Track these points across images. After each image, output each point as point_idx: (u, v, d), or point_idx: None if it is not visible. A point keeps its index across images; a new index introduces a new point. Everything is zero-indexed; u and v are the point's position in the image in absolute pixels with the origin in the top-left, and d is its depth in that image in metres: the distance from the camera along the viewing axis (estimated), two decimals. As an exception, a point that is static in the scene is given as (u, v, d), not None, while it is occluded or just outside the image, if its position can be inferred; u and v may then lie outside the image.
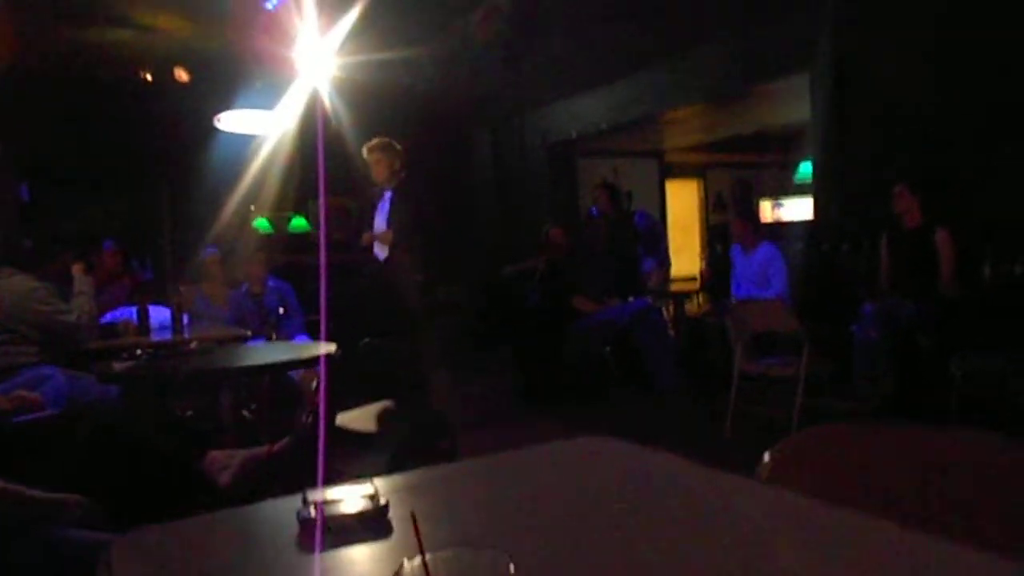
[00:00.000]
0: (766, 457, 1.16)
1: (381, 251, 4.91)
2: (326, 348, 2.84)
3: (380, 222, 4.95)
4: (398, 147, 4.89)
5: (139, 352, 2.92)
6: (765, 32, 5.61)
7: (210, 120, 6.43)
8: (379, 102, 6.83)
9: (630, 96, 6.95)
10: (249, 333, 4.15)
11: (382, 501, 0.94)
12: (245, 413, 3.61)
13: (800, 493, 1.00)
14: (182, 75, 7.92)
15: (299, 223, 7.89)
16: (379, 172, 4.87)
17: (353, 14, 5.63)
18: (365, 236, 4.95)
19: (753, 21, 5.62)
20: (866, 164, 5.01)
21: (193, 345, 3.31)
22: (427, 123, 8.22)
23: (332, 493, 0.96)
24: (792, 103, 6.44)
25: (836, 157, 5.28)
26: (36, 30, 6.81)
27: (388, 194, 4.93)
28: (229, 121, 6.35)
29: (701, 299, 7.33)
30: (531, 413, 5.38)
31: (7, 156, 5.49)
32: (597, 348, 5.40)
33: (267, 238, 6.96)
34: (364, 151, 4.86)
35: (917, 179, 4.44)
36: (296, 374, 4.19)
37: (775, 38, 5.58)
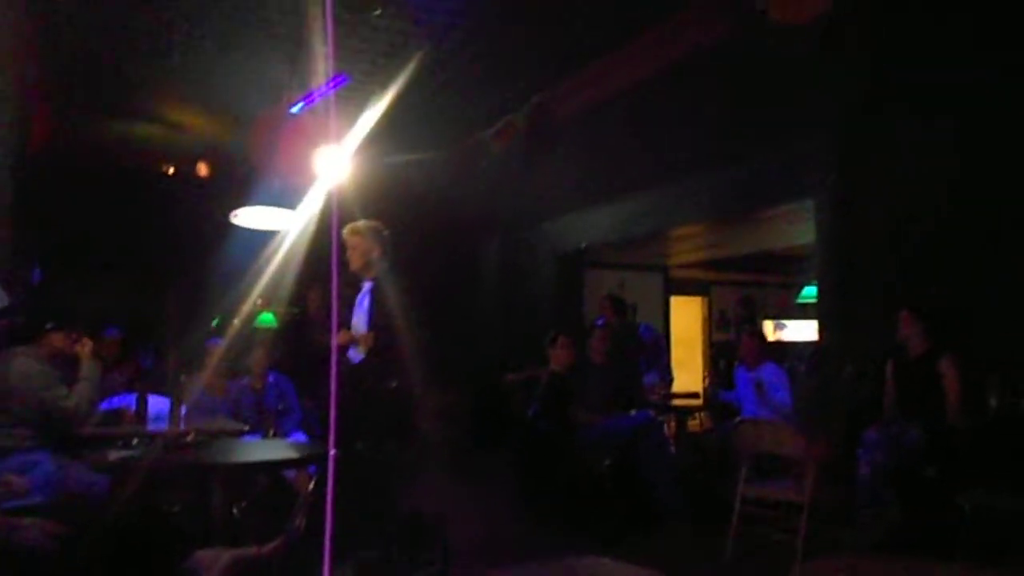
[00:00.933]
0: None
1: (357, 354, 4.29)
2: (323, 448, 2.80)
3: (359, 320, 4.34)
4: (384, 233, 4.43)
5: (134, 442, 2.88)
6: (771, 157, 5.78)
7: (226, 214, 6.59)
8: (393, 204, 7.00)
9: (638, 212, 7.10)
10: (246, 428, 4.10)
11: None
12: (235, 511, 3.52)
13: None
14: (203, 170, 8.16)
15: (266, 319, 7.81)
16: (355, 258, 4.30)
17: (374, 118, 5.86)
18: (342, 334, 4.26)
19: (760, 146, 5.81)
20: (871, 289, 5.06)
21: (189, 437, 3.27)
22: (439, 227, 8.40)
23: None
24: (797, 225, 6.57)
25: (841, 281, 5.33)
26: (68, 119, 7.08)
27: (368, 286, 4.38)
28: (245, 217, 6.50)
29: (703, 416, 7.26)
30: (526, 523, 5.23)
31: (25, 238, 5.59)
32: (597, 461, 5.31)
33: (273, 332, 6.98)
34: (345, 232, 4.34)
35: (922, 306, 4.47)
36: (291, 473, 4.12)
37: (780, 163, 5.75)
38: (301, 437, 4.88)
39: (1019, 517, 3.52)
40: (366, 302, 4.34)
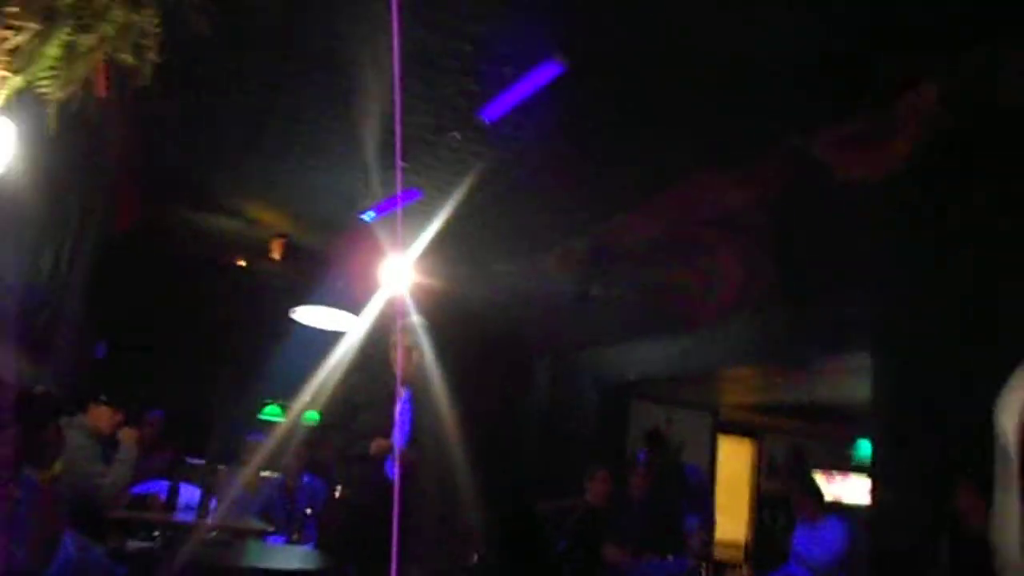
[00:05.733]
0: None
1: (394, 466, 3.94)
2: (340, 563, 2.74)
3: (397, 430, 3.97)
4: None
5: (155, 533, 2.87)
6: (827, 306, 5.71)
7: (287, 310, 6.76)
8: (450, 315, 7.09)
9: (691, 349, 7.03)
10: (271, 528, 4.06)
11: None
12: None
13: None
14: (276, 254, 8.37)
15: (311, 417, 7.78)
16: (402, 363, 3.99)
17: (440, 232, 6.04)
18: (375, 444, 3.92)
19: (817, 293, 5.75)
20: (930, 454, 4.82)
21: (213, 533, 3.24)
22: (490, 344, 8.43)
23: None
24: (852, 378, 6.39)
25: (897, 444, 5.11)
26: (155, 207, 7.47)
27: (407, 394, 4.03)
28: (305, 314, 6.66)
29: (745, 570, 6.89)
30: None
31: (91, 314, 5.79)
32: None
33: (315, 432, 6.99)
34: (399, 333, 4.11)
35: (985, 477, 4.22)
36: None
37: (837, 313, 5.66)
38: (326, 544, 4.79)
39: None
40: (406, 411, 4.04)
